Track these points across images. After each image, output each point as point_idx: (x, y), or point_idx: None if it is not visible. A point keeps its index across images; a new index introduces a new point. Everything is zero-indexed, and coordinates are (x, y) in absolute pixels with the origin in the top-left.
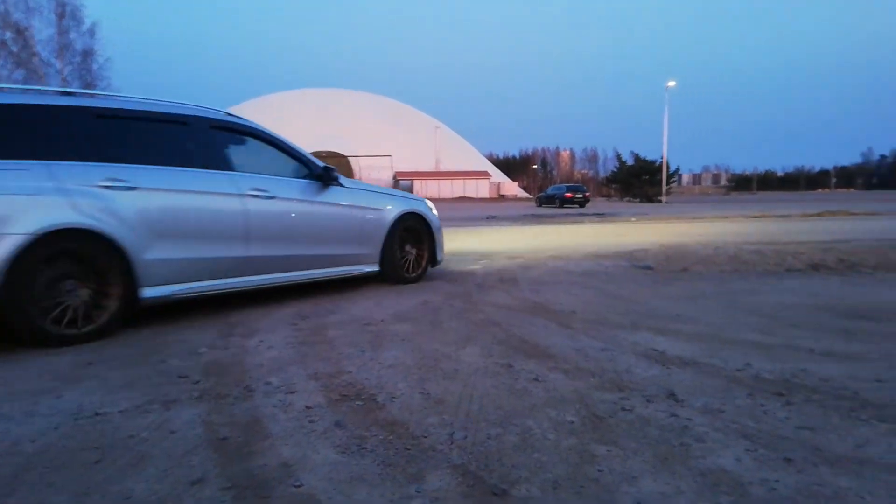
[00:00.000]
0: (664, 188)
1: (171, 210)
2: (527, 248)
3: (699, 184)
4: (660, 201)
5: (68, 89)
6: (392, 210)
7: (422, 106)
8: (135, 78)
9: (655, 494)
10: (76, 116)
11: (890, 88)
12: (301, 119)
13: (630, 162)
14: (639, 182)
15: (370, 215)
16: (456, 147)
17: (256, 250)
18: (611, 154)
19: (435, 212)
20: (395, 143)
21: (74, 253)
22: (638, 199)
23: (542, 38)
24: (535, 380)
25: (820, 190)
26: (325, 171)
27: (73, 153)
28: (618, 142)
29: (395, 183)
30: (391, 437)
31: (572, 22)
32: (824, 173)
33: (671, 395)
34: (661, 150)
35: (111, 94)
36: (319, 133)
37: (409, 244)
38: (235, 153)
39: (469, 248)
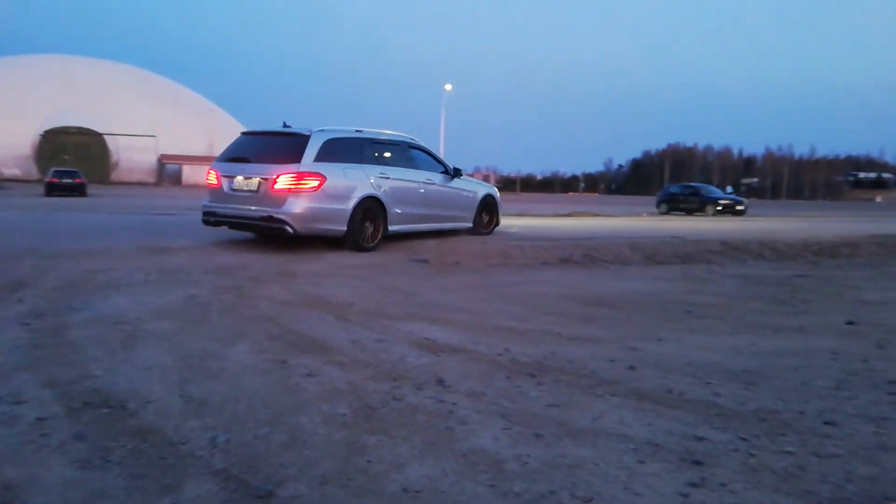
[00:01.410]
0: None
1: (401, 189)
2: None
3: None
4: None
5: (358, 128)
6: (480, 192)
7: (195, 86)
8: None
9: (422, 478)
10: (366, 142)
11: (625, 105)
12: (41, 88)
13: None
14: None
15: (471, 194)
16: (234, 133)
17: (427, 210)
18: None
19: (497, 192)
20: (162, 124)
21: (369, 208)
22: None
23: (327, 28)
24: (309, 375)
25: (571, 193)
26: (454, 170)
27: (367, 160)
28: None
29: (161, 167)
30: (143, 447)
31: (358, 15)
32: (574, 178)
33: (440, 382)
34: (438, 150)
35: (373, 129)
36: (64, 105)
37: (485, 213)
38: (415, 159)
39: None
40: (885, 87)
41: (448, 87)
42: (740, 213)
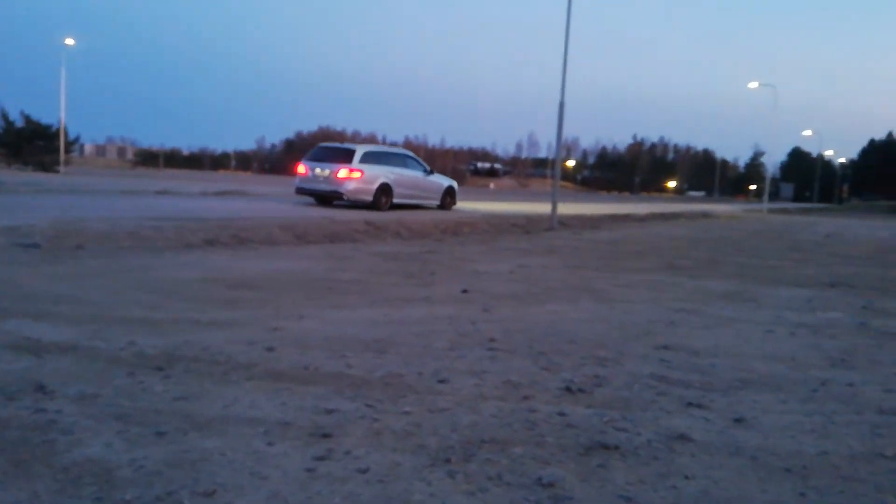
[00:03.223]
0: (62, 157)
1: (400, 179)
2: None
3: (104, 155)
4: (57, 171)
5: (379, 145)
6: (445, 183)
7: None
8: None
9: None
10: (383, 153)
11: (277, 85)
12: None
13: (19, 123)
14: (32, 148)
15: (437, 185)
16: None
17: (414, 192)
18: None
19: (456, 184)
20: None
21: (384, 189)
22: (31, 168)
23: None
24: None
25: (222, 171)
26: (430, 169)
27: (384, 163)
28: (6, 98)
29: None
30: None
31: None
32: (226, 156)
33: (40, 388)
34: (59, 114)
35: (390, 143)
36: None
37: (448, 196)
38: (409, 163)
39: None
40: (498, 90)
41: (70, 41)
42: None
